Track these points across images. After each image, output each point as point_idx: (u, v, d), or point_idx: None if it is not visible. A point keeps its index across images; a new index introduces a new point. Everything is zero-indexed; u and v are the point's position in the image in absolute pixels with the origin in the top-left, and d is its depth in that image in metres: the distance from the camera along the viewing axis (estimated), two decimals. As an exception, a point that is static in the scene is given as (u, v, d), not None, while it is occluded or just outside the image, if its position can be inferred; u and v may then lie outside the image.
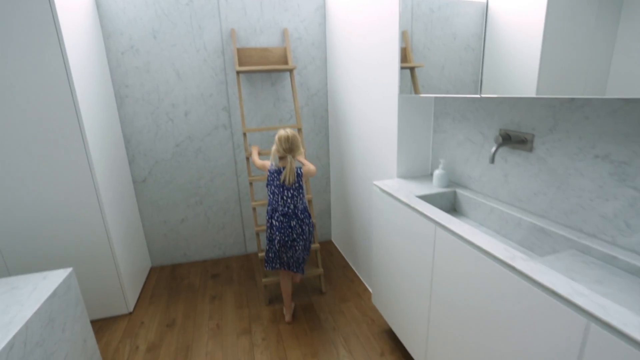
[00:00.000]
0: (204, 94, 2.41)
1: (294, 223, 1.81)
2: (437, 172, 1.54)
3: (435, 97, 1.66)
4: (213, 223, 2.67)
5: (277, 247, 1.83)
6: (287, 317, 1.97)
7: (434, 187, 1.56)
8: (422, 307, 1.33)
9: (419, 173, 1.76)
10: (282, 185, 1.77)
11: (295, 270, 1.90)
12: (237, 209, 2.68)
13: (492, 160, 1.15)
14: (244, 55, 2.34)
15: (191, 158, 2.50)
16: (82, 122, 1.72)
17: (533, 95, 0.95)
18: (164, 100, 2.36)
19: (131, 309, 2.12)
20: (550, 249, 1.08)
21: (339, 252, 2.76)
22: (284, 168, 1.76)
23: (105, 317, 2.07)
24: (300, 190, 1.81)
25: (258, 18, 2.37)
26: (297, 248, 1.84)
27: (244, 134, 2.27)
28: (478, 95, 1.14)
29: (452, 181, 1.60)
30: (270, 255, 1.87)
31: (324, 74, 2.60)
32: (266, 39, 2.43)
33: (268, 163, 1.85)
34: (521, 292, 0.84)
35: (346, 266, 2.55)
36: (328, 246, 2.86)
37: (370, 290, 2.22)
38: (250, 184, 2.23)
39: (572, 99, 1.02)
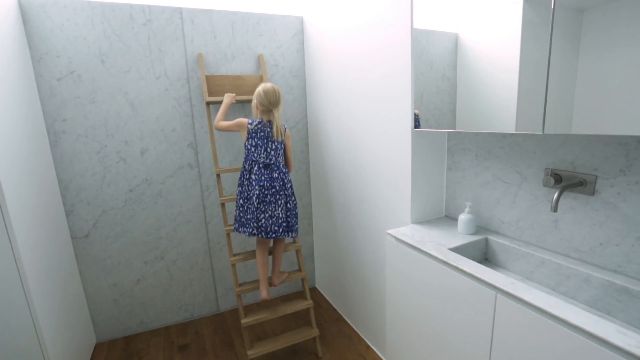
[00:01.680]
0: (165, 128, 2.03)
1: (276, 175, 1.70)
2: (464, 217, 1.35)
3: (449, 132, 1.50)
4: (177, 280, 2.21)
5: (255, 204, 1.66)
6: (263, 293, 1.75)
7: (459, 233, 1.36)
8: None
9: (432, 216, 1.56)
10: (268, 137, 1.69)
11: (273, 235, 1.69)
12: (206, 261, 2.26)
13: (555, 208, 0.97)
14: (213, 84, 2.03)
15: (149, 205, 2.06)
16: None
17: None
18: (114, 136, 1.93)
19: (70, 415, 1.58)
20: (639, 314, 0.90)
21: (327, 301, 2.44)
22: (269, 122, 1.70)
23: None
24: (282, 147, 1.73)
25: (229, 42, 2.09)
26: (278, 204, 1.69)
27: (218, 175, 1.92)
28: (541, 132, 0.96)
29: (478, 226, 1.41)
30: (244, 217, 1.72)
31: (304, 105, 2.36)
32: (239, 66, 2.14)
33: (240, 119, 1.74)
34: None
35: (339, 319, 2.23)
36: (313, 294, 2.52)
37: (374, 348, 1.92)
38: (228, 235, 1.86)
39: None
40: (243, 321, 1.75)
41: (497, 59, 1.12)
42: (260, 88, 1.66)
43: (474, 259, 1.29)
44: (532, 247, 1.19)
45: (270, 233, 1.68)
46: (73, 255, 1.94)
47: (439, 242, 1.28)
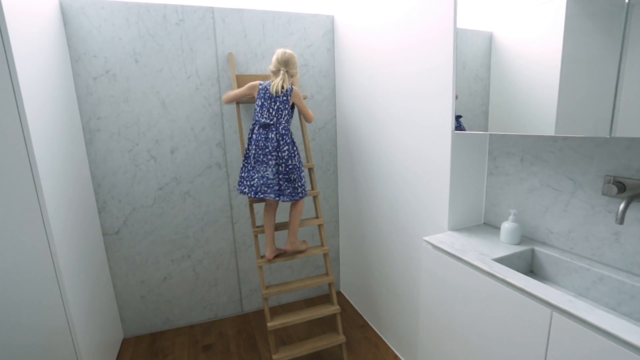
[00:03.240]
0: (195, 127, 2.03)
1: (272, 135, 1.67)
2: (508, 225, 1.26)
3: (490, 134, 1.41)
4: (203, 280, 2.21)
5: (252, 163, 1.69)
6: (267, 253, 1.79)
7: (501, 243, 1.27)
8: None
9: (470, 223, 1.47)
10: (271, 97, 1.70)
11: (261, 196, 1.66)
12: (232, 261, 2.25)
13: (621, 220, 0.88)
14: (243, 83, 2.01)
15: (177, 203, 2.07)
16: (35, 162, 1.28)
17: None
18: (146, 135, 1.95)
19: (99, 410, 1.60)
20: None
21: (352, 306, 2.38)
22: None
23: None
24: (287, 108, 1.71)
25: (259, 42, 2.07)
26: (269, 164, 1.66)
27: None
28: (607, 135, 0.88)
29: (522, 235, 1.32)
30: (242, 176, 1.74)
31: (333, 106, 2.32)
32: (269, 65, 2.12)
33: (253, 82, 1.77)
34: None
35: (365, 325, 2.16)
36: (338, 298, 2.46)
37: (402, 358, 1.85)
38: (256, 236, 1.84)
39: None
40: (269, 324, 1.72)
41: (535, 57, 1.06)
42: (275, 54, 1.73)
43: (518, 270, 1.20)
44: (586, 261, 1.09)
45: (259, 193, 1.66)
46: (104, 251, 1.97)
47: (481, 251, 1.20)
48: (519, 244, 1.26)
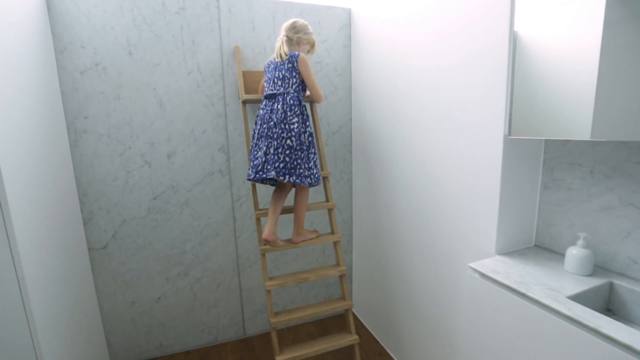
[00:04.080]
0: (196, 129, 1.81)
1: (278, 106, 1.48)
2: (577, 252, 1.03)
3: (546, 141, 1.19)
4: (202, 300, 1.97)
5: (256, 139, 1.52)
6: (265, 232, 1.54)
7: (568, 272, 1.05)
8: None
9: (519, 245, 1.24)
10: (275, 66, 1.55)
11: (263, 176, 1.45)
12: (234, 280, 2.01)
13: None
14: (251, 81, 1.80)
15: (174, 215, 1.84)
16: None
17: None
18: (140, 137, 1.72)
19: None
20: None
21: (367, 330, 2.14)
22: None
23: None
24: (294, 76, 1.52)
25: (269, 35, 1.86)
26: (273, 137, 1.45)
27: (253, 185, 1.67)
28: None
29: (594, 264, 1.09)
30: (250, 157, 1.56)
31: (348, 107, 2.10)
32: (279, 61, 1.90)
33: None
34: None
35: (383, 353, 1.92)
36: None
37: (430, 397, 1.61)
38: (263, 255, 1.60)
39: None
40: (278, 358, 1.48)
41: (569, 57, 0.93)
42: None
43: (594, 309, 0.97)
44: (689, 302, 0.87)
45: (261, 173, 1.45)
46: (89, 268, 1.73)
47: (548, 285, 0.97)
48: (590, 275, 1.03)
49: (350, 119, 2.11)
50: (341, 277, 1.67)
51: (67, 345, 1.38)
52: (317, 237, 1.69)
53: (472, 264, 1.14)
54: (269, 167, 1.44)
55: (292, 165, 1.46)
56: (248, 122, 1.73)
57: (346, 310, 1.65)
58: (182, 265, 1.89)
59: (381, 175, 1.84)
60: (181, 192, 1.83)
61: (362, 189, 2.07)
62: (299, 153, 1.47)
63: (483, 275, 1.09)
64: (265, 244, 1.58)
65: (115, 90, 1.65)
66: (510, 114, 1.09)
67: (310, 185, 1.50)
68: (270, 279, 1.59)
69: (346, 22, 2.00)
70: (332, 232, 1.71)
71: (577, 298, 0.93)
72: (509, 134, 1.10)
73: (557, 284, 0.98)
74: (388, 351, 1.93)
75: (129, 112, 1.69)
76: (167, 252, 1.86)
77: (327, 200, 1.74)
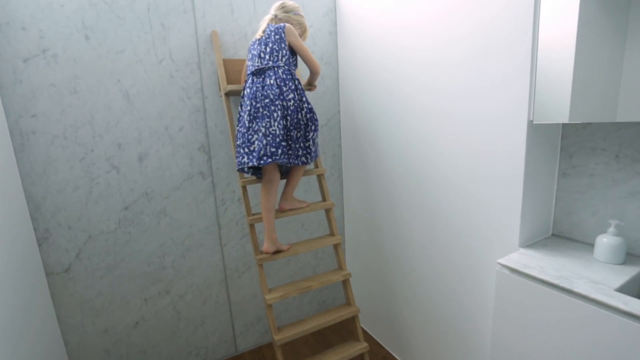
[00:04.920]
0: (171, 127, 1.58)
1: (271, 81, 1.32)
2: (609, 240, 0.99)
3: (564, 126, 1.14)
4: (187, 319, 1.75)
5: (246, 124, 1.33)
6: (266, 244, 1.44)
7: (599, 262, 1.01)
8: None
9: (538, 236, 1.20)
10: (260, 42, 1.39)
11: (269, 160, 1.28)
12: (222, 293, 1.81)
13: None
14: (232, 70, 1.60)
15: (150, 226, 1.60)
16: None
17: None
18: (104, 137, 1.47)
19: None
20: None
21: (366, 333, 2.04)
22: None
23: None
24: (283, 48, 1.36)
25: (249, 19, 1.67)
26: (274, 117, 1.30)
27: (244, 188, 1.49)
28: None
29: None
30: (238, 143, 1.37)
31: (336, 98, 1.97)
32: (261, 49, 1.72)
33: None
34: None
35: (388, 357, 1.84)
36: (346, 324, 2.11)
37: (443, 398, 1.54)
38: (261, 266, 1.43)
39: None
40: (286, 379, 1.33)
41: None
42: None
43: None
44: None
45: (265, 157, 1.29)
46: (49, 296, 1.45)
47: (589, 277, 0.92)
48: (623, 263, 1.00)
49: (339, 111, 1.98)
50: (345, 282, 1.55)
51: (29, 395, 1.13)
52: (307, 206, 1.54)
53: (501, 260, 1.07)
54: (275, 150, 1.29)
55: (297, 147, 1.36)
56: (232, 115, 1.54)
57: (353, 317, 1.53)
58: (162, 283, 1.66)
59: (377, 170, 1.73)
60: (157, 199, 1.60)
61: (354, 186, 1.96)
62: (295, 132, 1.35)
63: (515, 271, 1.02)
64: (262, 254, 1.42)
65: (71, 82, 1.38)
66: (534, 98, 1.02)
67: (305, 163, 1.40)
68: (270, 291, 1.42)
69: (331, 7, 1.86)
70: (332, 234, 1.58)
71: (622, 290, 0.89)
72: (534, 119, 1.03)
73: (599, 276, 0.93)
74: (393, 354, 1.85)
75: (89, 108, 1.42)
76: (144, 269, 1.62)
77: (324, 200, 1.61)
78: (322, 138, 1.96)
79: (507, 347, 1.07)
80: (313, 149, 1.41)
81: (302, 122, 1.36)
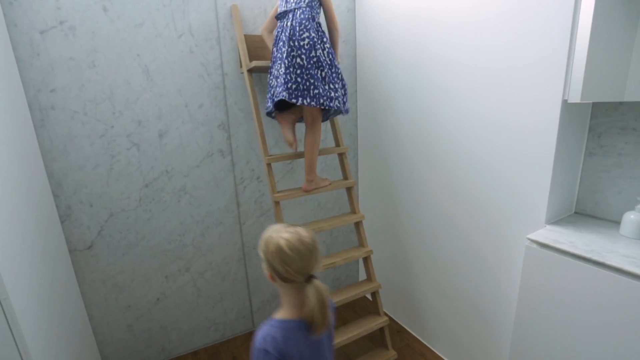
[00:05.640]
0: (190, 104, 1.55)
1: (288, 23, 1.33)
2: (637, 217, 1.02)
3: (594, 105, 1.16)
4: (206, 295, 1.78)
5: (271, 66, 1.40)
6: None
7: (626, 238, 1.04)
8: None
9: (562, 214, 1.23)
10: None
11: (275, 99, 1.34)
12: (240, 270, 1.84)
13: None
14: (253, 47, 1.57)
15: (170, 204, 1.60)
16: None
17: None
18: (124, 114, 1.44)
19: None
20: None
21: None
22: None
23: None
24: None
25: (269, -7, 1.62)
26: (282, 57, 1.33)
27: (268, 165, 1.48)
28: None
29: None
30: (268, 88, 1.42)
31: (353, 78, 1.94)
32: (280, 24, 1.67)
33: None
34: None
35: (402, 331, 1.90)
36: (361, 300, 2.17)
37: (458, 369, 1.61)
38: (277, 203, 1.45)
39: None
40: (312, 351, 1.37)
41: None
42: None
43: (658, 273, 0.98)
44: None
45: (274, 97, 1.37)
46: (72, 273, 1.46)
47: (619, 252, 0.96)
48: (649, 239, 1.03)
49: (356, 91, 1.97)
50: (366, 258, 1.58)
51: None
52: (329, 184, 1.55)
53: (530, 235, 1.10)
54: (279, 89, 1.32)
55: (305, 86, 1.31)
56: (255, 92, 1.51)
57: (373, 293, 1.57)
58: (182, 260, 1.67)
59: (396, 150, 1.74)
60: (177, 177, 1.59)
61: (371, 165, 1.96)
62: (312, 72, 1.31)
63: (545, 246, 1.05)
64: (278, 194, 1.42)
65: (89, 56, 1.34)
66: (571, 77, 1.02)
67: (328, 107, 1.33)
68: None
69: (350, -18, 1.81)
70: (354, 212, 1.60)
71: (654, 263, 0.92)
72: (569, 98, 1.04)
73: (628, 251, 0.96)
74: (407, 328, 1.91)
75: (108, 84, 1.39)
76: (165, 246, 1.62)
77: (346, 178, 1.61)
78: (339, 117, 1.95)
79: (531, 320, 1.11)
80: (339, 95, 1.36)
81: (320, 63, 1.32)
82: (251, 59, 1.53)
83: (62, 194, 1.40)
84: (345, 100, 1.41)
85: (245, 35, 1.54)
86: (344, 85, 1.40)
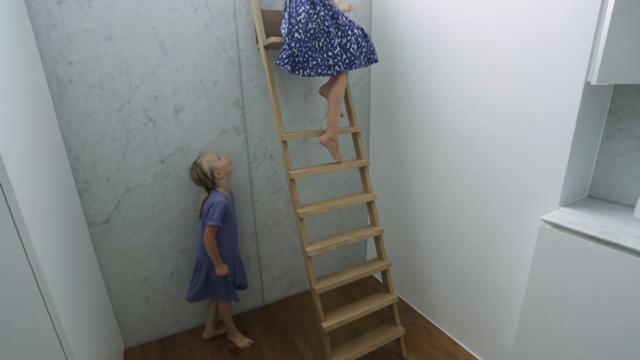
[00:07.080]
0: (206, 80, 1.55)
1: None
2: (654, 200, 1.04)
3: (616, 88, 1.15)
4: (218, 271, 1.82)
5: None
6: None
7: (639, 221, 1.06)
8: None
9: (576, 197, 1.25)
10: None
11: (302, 73, 1.38)
12: (252, 247, 1.87)
13: None
14: (270, 23, 1.54)
15: (186, 180, 1.61)
16: None
17: None
18: (140, 89, 1.43)
19: None
20: None
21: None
22: None
23: None
24: None
25: (286, -34, 1.58)
26: (300, 32, 1.33)
27: (284, 143, 1.49)
28: None
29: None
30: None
31: (368, 56, 1.91)
32: None
33: None
34: None
35: (409, 309, 1.96)
36: (368, 280, 2.22)
37: (462, 345, 1.67)
38: (301, 219, 1.47)
39: None
40: (325, 325, 1.42)
41: None
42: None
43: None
44: None
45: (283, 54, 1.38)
46: (91, 246, 1.49)
47: (633, 234, 0.98)
48: (665, 222, 1.05)
49: (370, 71, 1.95)
50: (377, 237, 1.61)
51: (83, 330, 1.20)
52: (341, 159, 1.58)
53: (545, 216, 1.11)
54: (283, 60, 1.36)
55: (305, 58, 1.35)
56: (271, 69, 1.50)
57: (383, 271, 1.61)
58: (196, 236, 1.71)
59: (409, 131, 1.74)
60: (192, 153, 1.60)
61: (383, 145, 1.97)
62: (310, 44, 1.34)
63: (559, 227, 1.07)
64: (302, 207, 1.45)
65: (106, 29, 1.33)
66: (596, 58, 1.01)
67: (326, 74, 1.39)
68: (310, 244, 1.48)
69: (367, -44, 1.77)
70: (367, 192, 1.62)
71: (671, 246, 0.94)
72: (592, 80, 1.04)
73: (642, 233, 0.98)
74: (413, 306, 1.96)
75: (124, 57, 1.38)
76: (179, 222, 1.65)
77: (359, 158, 1.62)
78: (353, 98, 1.94)
79: (541, 299, 1.14)
80: (336, 54, 1.37)
81: (317, 33, 1.34)
82: (268, 35, 1.51)
83: (80, 168, 1.41)
84: (363, 51, 1.42)
85: (262, 11, 1.51)
86: (357, 38, 1.39)
